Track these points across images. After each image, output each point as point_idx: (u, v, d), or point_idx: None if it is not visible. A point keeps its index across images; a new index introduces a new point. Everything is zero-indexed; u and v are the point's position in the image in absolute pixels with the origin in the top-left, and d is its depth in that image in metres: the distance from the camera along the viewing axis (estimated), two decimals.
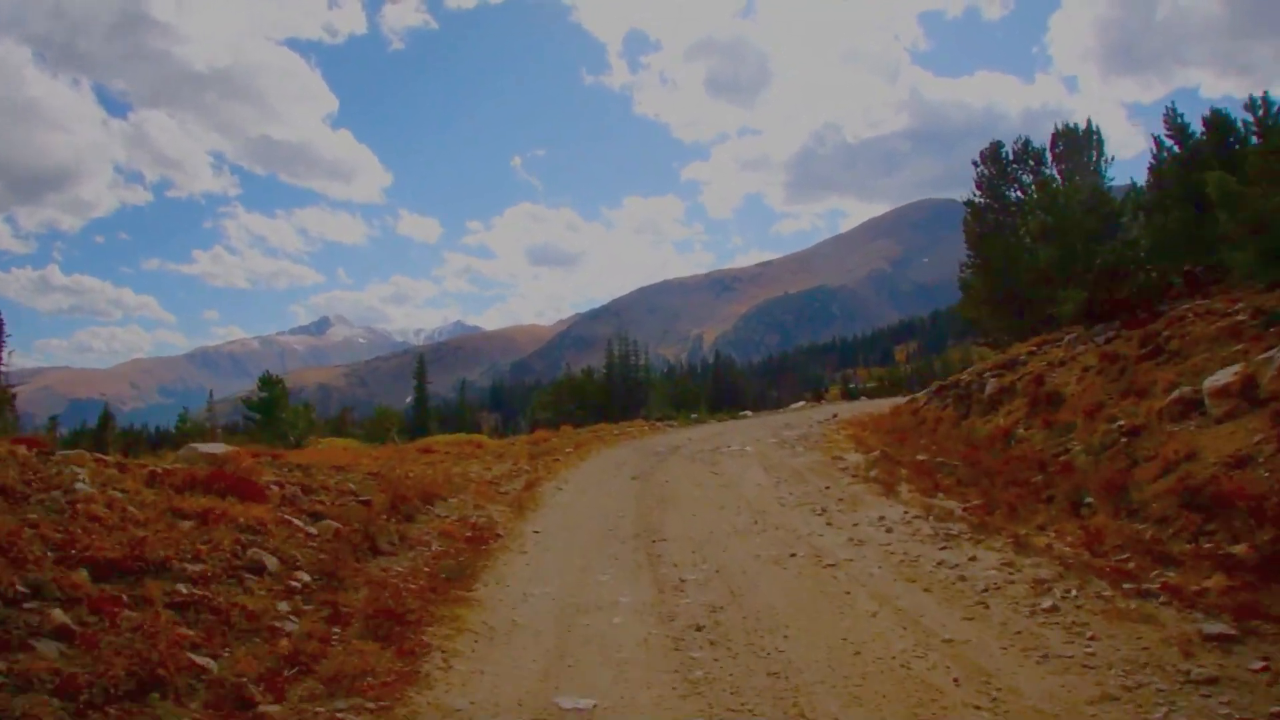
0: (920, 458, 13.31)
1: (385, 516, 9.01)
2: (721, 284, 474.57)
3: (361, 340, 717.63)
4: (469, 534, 9.20)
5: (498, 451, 19.31)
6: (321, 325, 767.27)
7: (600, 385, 37.26)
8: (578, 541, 9.52)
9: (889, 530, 8.92)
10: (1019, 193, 22.69)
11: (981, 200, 22.76)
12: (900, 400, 26.95)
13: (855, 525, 9.33)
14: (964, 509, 9.23)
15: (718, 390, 52.37)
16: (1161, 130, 18.42)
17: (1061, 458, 10.17)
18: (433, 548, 8.59)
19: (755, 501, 11.67)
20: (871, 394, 56.81)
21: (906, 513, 9.58)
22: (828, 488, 12.32)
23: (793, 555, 8.19)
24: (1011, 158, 22.39)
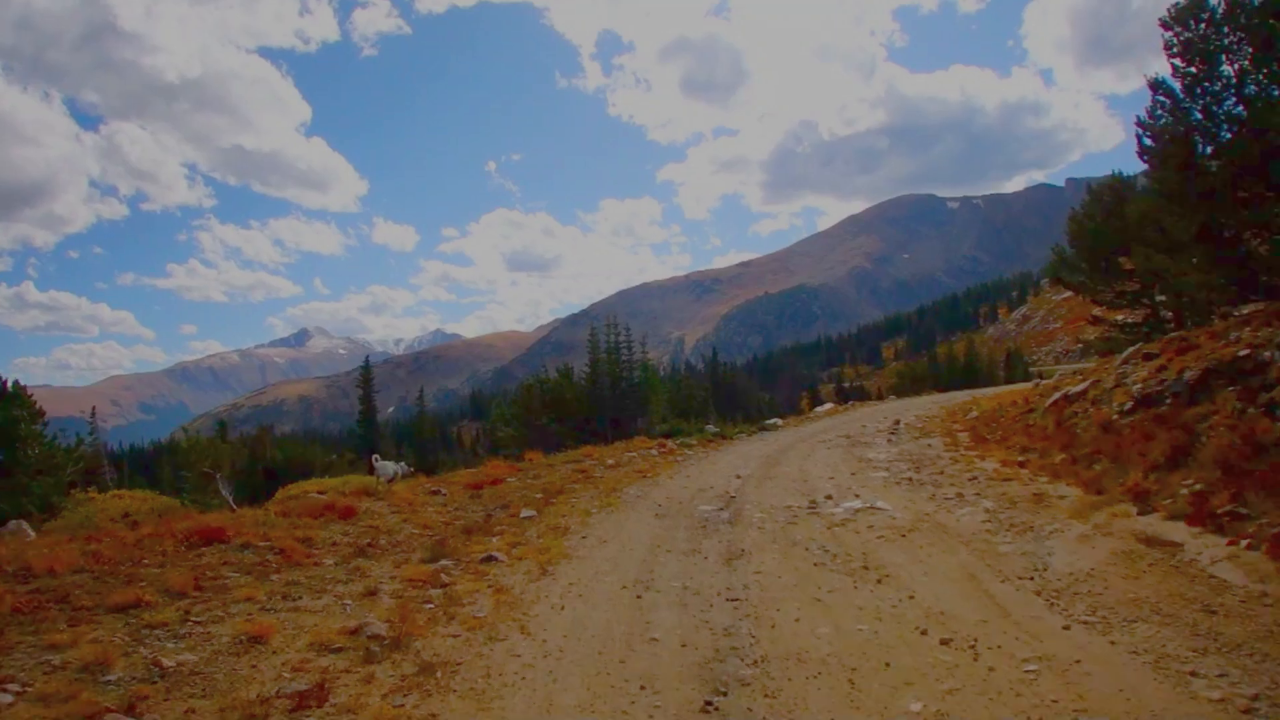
0: None
1: None
2: (701, 286, 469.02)
3: (342, 351, 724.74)
4: None
5: (352, 543, 8.74)
6: (301, 337, 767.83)
7: (584, 390, 27.70)
8: None
9: None
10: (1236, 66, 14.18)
11: (1181, 79, 14.12)
12: (977, 392, 18.48)
13: None
14: None
15: (719, 394, 44.08)
16: None
17: None
18: None
19: None
20: (900, 391, 48.72)
21: None
22: None
23: None
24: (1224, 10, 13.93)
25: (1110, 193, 24.45)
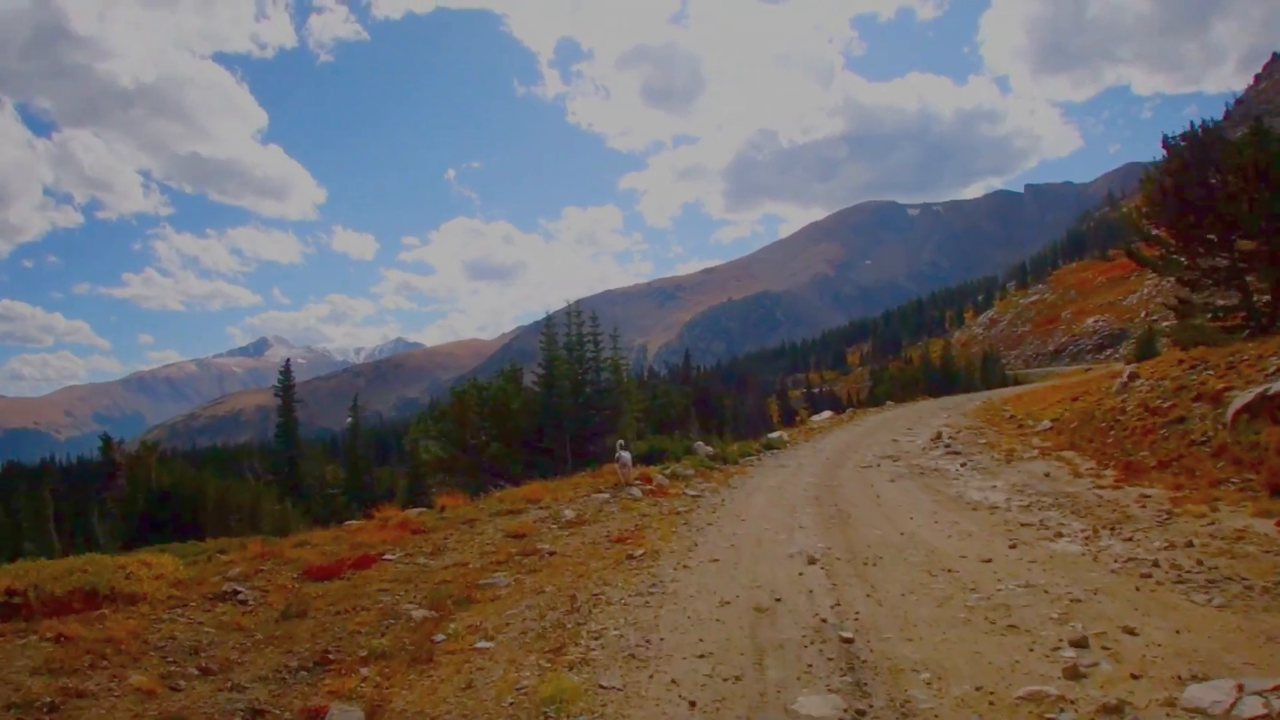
0: None
1: None
2: (664, 293, 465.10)
3: (301, 360, 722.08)
4: None
5: None
6: (260, 346, 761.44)
7: (535, 398, 20.79)
8: None
9: None
10: None
11: None
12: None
13: None
14: None
15: (698, 402, 38.49)
16: None
17: None
18: None
19: None
20: (893, 396, 43.54)
21: None
22: None
23: None
24: None
25: (1198, 147, 19.46)
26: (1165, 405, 13.20)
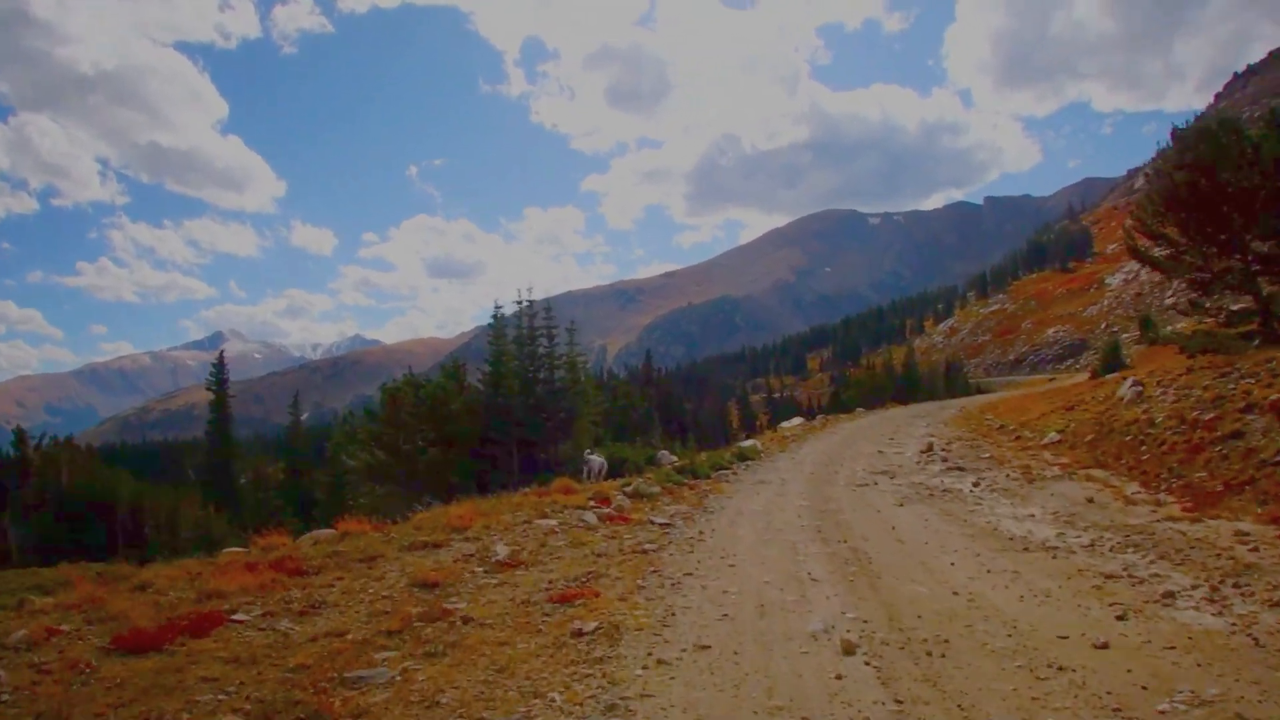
0: None
1: None
2: (625, 295, 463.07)
3: (257, 355, 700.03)
4: None
5: None
6: (215, 340, 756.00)
7: (480, 398, 18.14)
8: None
9: None
10: None
11: None
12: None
13: None
14: None
15: (661, 406, 36.23)
16: None
17: None
18: None
19: None
20: (863, 403, 41.83)
21: None
22: None
23: None
24: None
25: (1211, 138, 17.88)
26: (1207, 418, 11.37)
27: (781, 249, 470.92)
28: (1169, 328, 30.45)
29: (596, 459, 13.65)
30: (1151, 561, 6.54)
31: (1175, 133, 18.95)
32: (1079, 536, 7.59)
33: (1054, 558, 6.85)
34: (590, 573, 6.72)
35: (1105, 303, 78.92)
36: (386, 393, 17.94)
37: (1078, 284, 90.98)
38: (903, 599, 5.67)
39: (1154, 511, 8.46)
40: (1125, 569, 6.38)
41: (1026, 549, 7.22)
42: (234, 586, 6.85)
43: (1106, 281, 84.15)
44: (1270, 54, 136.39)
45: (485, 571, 7.06)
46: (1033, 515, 8.80)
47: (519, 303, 17.90)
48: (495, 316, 18.45)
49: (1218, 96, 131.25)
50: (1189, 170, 17.27)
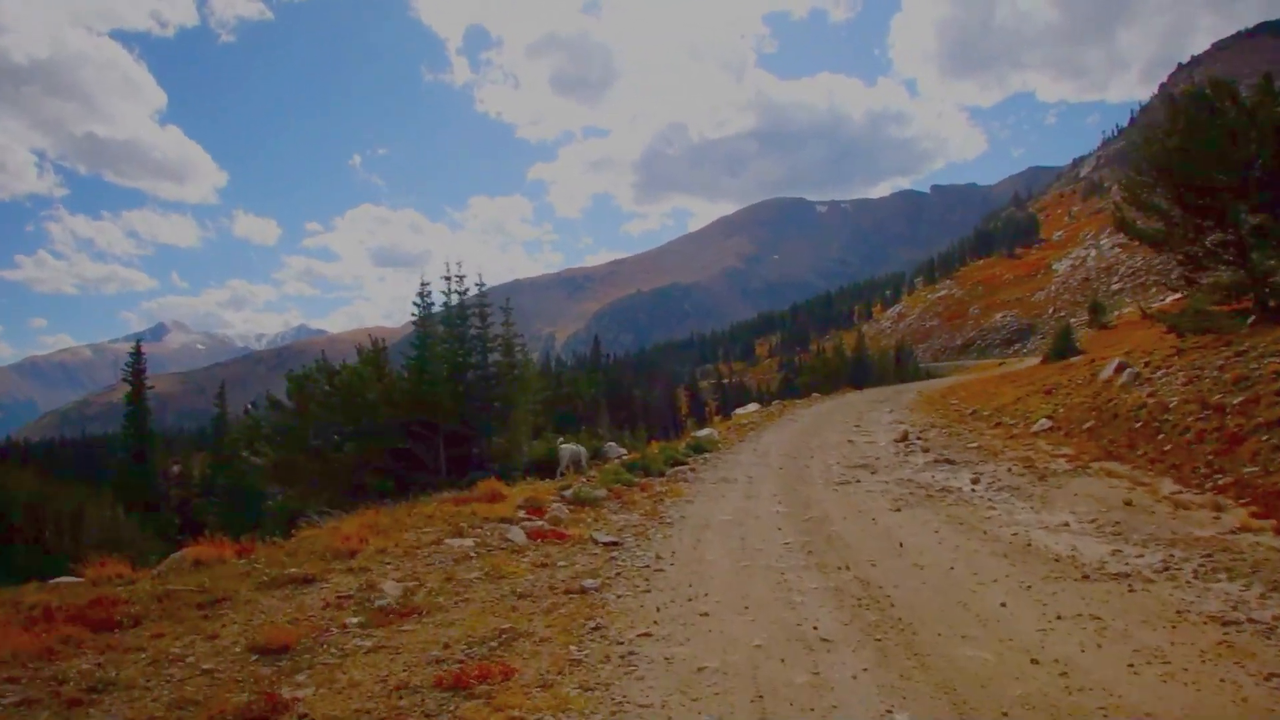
0: None
1: None
2: (573, 283, 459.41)
3: (200, 346, 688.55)
4: None
5: None
6: (158, 332, 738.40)
7: (401, 385, 15.63)
8: None
9: None
10: None
11: None
12: None
13: None
14: None
15: (610, 394, 34.20)
16: None
17: None
18: None
19: None
20: (819, 388, 40.49)
21: None
22: None
23: None
24: None
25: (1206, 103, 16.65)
26: (1237, 401, 9.89)
27: (730, 237, 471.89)
28: (1154, 305, 29.59)
29: (569, 447, 12.78)
30: (1263, 595, 4.86)
31: (1171, 97, 17.67)
32: (1142, 556, 5.91)
33: (1130, 590, 5.13)
34: (504, 631, 4.74)
35: (1053, 288, 79.54)
36: (293, 381, 15.50)
37: (1025, 270, 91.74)
38: (966, 677, 3.85)
39: (1217, 519, 6.85)
40: (1234, 607, 4.68)
41: (1086, 576, 5.49)
42: (8, 648, 4.71)
43: (1054, 267, 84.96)
44: (1214, 45, 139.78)
45: (360, 625, 5.03)
46: (1066, 524, 7.12)
47: (446, 277, 15.63)
48: (420, 294, 16.14)
49: (1161, 87, 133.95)
50: (1181, 136, 16.00)
